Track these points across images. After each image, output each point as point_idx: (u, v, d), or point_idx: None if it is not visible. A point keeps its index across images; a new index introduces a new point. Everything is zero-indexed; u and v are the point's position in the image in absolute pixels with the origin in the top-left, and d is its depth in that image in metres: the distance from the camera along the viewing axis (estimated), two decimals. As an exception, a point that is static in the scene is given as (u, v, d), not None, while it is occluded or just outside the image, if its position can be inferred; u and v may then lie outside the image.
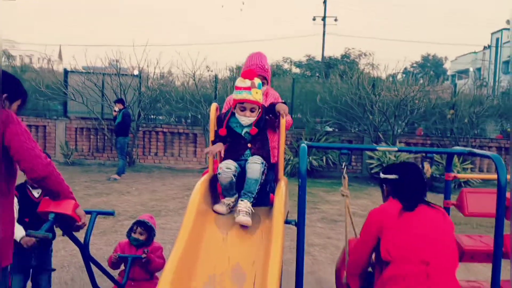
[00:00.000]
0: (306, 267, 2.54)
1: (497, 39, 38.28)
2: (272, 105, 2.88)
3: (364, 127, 11.45)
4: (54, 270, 3.32)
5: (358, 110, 11.38)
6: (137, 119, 11.62)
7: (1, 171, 2.09)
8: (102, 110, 12.03)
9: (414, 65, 47.78)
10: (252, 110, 2.72)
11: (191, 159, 12.07)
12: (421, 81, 12.54)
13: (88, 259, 2.60)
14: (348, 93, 11.51)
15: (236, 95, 2.71)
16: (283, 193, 2.60)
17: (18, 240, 2.76)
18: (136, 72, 12.26)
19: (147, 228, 3.35)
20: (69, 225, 2.34)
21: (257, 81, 2.70)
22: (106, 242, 5.27)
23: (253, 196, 2.55)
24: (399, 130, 11.54)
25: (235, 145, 2.78)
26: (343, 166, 2.62)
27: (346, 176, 2.64)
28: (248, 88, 2.66)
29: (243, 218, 2.44)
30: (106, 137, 11.96)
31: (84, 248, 2.55)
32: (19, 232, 2.73)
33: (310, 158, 10.77)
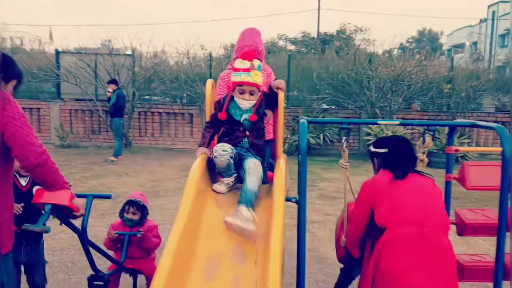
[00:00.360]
0: (306, 245, 2.51)
1: (493, 12, 37.86)
2: (272, 91, 2.78)
3: (361, 104, 11.37)
4: (46, 262, 3.16)
5: (355, 86, 11.28)
6: (132, 100, 11.49)
7: None
8: (96, 91, 11.87)
9: (410, 40, 47.39)
10: (251, 93, 2.62)
11: (188, 139, 12.00)
12: (418, 56, 12.41)
13: (86, 244, 2.56)
14: (345, 69, 11.38)
15: (235, 77, 2.61)
16: (283, 170, 2.55)
17: None
18: (129, 52, 12.06)
19: (140, 208, 3.29)
20: (65, 214, 2.28)
21: (256, 62, 2.60)
22: (105, 224, 5.24)
23: (252, 206, 2.33)
24: (396, 106, 11.47)
25: (232, 131, 2.68)
26: (343, 140, 2.64)
27: (346, 149, 2.67)
28: (247, 70, 2.56)
29: (247, 225, 2.22)
30: (101, 119, 11.84)
31: (82, 233, 2.50)
32: None
33: (307, 136, 10.70)
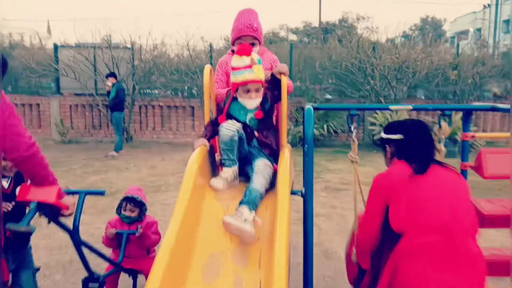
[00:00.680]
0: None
1: (498, -3, 37.25)
2: (274, 78, 2.54)
3: (365, 93, 11.16)
4: (38, 269, 2.76)
5: (359, 75, 11.06)
6: (132, 94, 11.33)
7: None
8: (96, 86, 11.71)
9: (413, 27, 46.87)
10: (257, 90, 2.41)
11: (189, 132, 11.84)
12: (421, 45, 12.17)
13: (79, 243, 2.41)
14: (348, 57, 11.16)
15: (237, 77, 2.38)
16: (288, 162, 2.35)
17: None
18: (128, 45, 11.88)
19: (138, 204, 3.14)
20: (54, 212, 2.12)
21: (255, 56, 2.38)
22: (105, 221, 5.09)
23: (256, 208, 2.14)
24: (400, 94, 11.26)
25: None
26: (352, 128, 2.37)
27: (355, 139, 2.38)
28: (249, 67, 2.34)
29: (246, 227, 2.00)
30: (101, 113, 11.70)
31: (73, 233, 2.35)
32: None
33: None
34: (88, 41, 11.94)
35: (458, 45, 13.29)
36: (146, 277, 3.13)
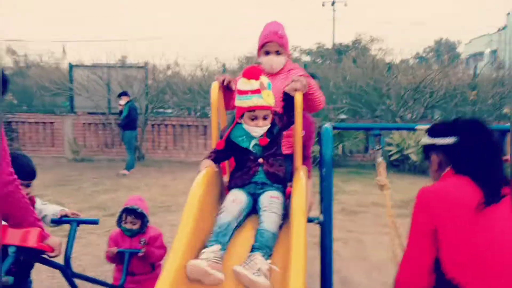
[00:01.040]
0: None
1: (513, 19, 36.98)
2: (287, 97, 2.27)
3: (380, 113, 10.94)
4: None
5: (374, 95, 10.87)
6: (144, 113, 11.30)
7: None
8: (109, 104, 11.73)
9: (427, 49, 46.74)
10: (265, 118, 2.14)
11: (201, 151, 11.71)
12: (436, 66, 11.98)
13: (71, 279, 2.20)
14: (363, 77, 11.00)
15: (244, 102, 2.12)
16: (303, 185, 2.10)
17: None
18: (142, 64, 11.94)
19: (139, 215, 2.95)
20: (35, 256, 1.90)
21: (265, 80, 2.13)
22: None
23: (271, 253, 1.88)
24: (417, 115, 11.01)
25: (242, 163, 2.23)
26: (376, 149, 2.09)
27: (382, 161, 2.06)
28: (258, 91, 2.07)
29: (260, 280, 1.71)
30: (114, 132, 11.68)
31: (64, 269, 2.16)
32: None
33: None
34: (102, 61, 12.06)
35: (476, 65, 13.06)
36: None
